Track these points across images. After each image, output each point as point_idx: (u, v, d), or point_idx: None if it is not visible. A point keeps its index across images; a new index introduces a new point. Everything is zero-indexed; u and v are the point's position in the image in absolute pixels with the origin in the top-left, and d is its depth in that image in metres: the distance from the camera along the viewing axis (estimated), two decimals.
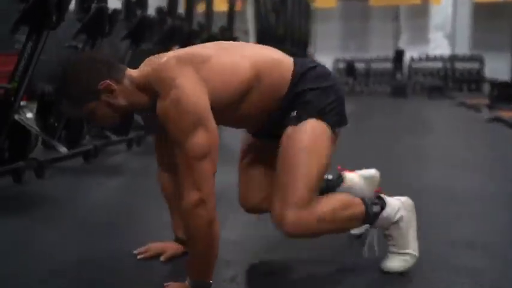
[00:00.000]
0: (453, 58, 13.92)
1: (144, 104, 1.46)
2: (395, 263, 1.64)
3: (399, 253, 1.64)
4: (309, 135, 1.51)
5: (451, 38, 14.43)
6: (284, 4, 7.27)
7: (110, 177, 3.25)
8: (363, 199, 1.60)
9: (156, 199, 2.66)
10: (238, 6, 7.50)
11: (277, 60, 1.57)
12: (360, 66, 13.90)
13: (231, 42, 1.64)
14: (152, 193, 2.87)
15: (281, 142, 1.54)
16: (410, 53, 13.76)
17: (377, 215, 1.60)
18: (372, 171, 1.87)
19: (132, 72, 1.49)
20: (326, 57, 12.53)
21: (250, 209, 1.77)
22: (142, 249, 1.76)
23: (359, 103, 8.67)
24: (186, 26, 5.06)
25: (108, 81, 1.42)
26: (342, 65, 14.06)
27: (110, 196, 2.85)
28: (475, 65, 13.86)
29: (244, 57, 1.51)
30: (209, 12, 6.03)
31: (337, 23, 14.89)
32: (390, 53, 13.93)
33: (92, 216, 2.38)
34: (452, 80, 13.57)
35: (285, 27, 7.22)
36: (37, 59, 3.04)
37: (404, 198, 1.66)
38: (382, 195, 1.65)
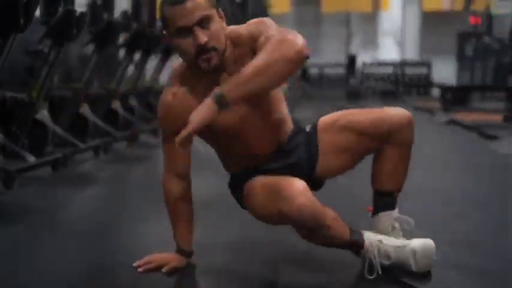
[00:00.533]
0: (403, 63, 14.37)
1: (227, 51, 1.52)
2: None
3: None
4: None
5: (401, 43, 14.90)
6: (245, 10, 7.28)
7: (83, 186, 3.12)
8: None
9: (136, 207, 2.59)
10: None
11: None
12: (313, 71, 14.10)
13: None
14: (131, 201, 2.80)
15: (330, 124, 1.66)
16: (362, 58, 14.10)
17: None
18: None
19: None
20: None
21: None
22: (142, 261, 1.66)
23: (318, 108, 8.75)
24: (149, 30, 4.96)
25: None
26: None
27: (89, 206, 2.72)
28: (423, 70, 14.36)
29: None
30: None
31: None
32: (342, 58, 14.23)
33: (75, 227, 2.27)
34: (402, 85, 14.00)
35: None
36: (3, 63, 2.91)
37: None
38: None
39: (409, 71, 14.28)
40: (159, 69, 5.84)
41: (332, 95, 13.15)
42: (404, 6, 14.90)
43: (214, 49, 1.46)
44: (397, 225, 1.70)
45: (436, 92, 13.77)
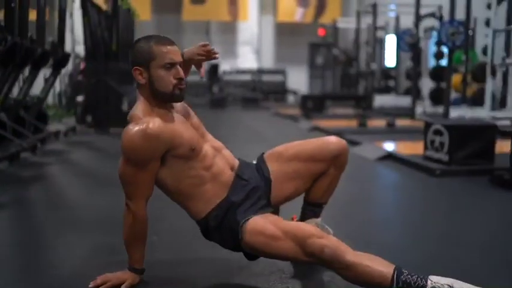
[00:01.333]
0: (260, 71, 15.20)
1: None
2: None
3: None
4: None
5: (258, 52, 15.72)
6: (115, 21, 7.18)
7: None
8: None
9: (48, 231, 2.54)
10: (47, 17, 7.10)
11: None
12: None
13: None
14: (40, 225, 2.72)
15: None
16: (222, 67, 14.61)
17: None
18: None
19: None
20: None
21: None
22: (98, 281, 1.76)
23: None
24: (25, 42, 4.74)
25: None
26: None
27: None
28: (279, 78, 15.35)
29: None
30: (40, 24, 5.64)
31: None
32: (205, 66, 14.58)
33: None
34: (261, 91, 14.82)
35: (117, 43, 7.13)
36: None
37: None
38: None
39: (266, 78, 15.17)
40: (30, 82, 5.58)
41: (196, 103, 13.39)
42: (260, 18, 15.76)
43: (185, 82, 1.81)
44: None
45: (291, 98, 14.83)
